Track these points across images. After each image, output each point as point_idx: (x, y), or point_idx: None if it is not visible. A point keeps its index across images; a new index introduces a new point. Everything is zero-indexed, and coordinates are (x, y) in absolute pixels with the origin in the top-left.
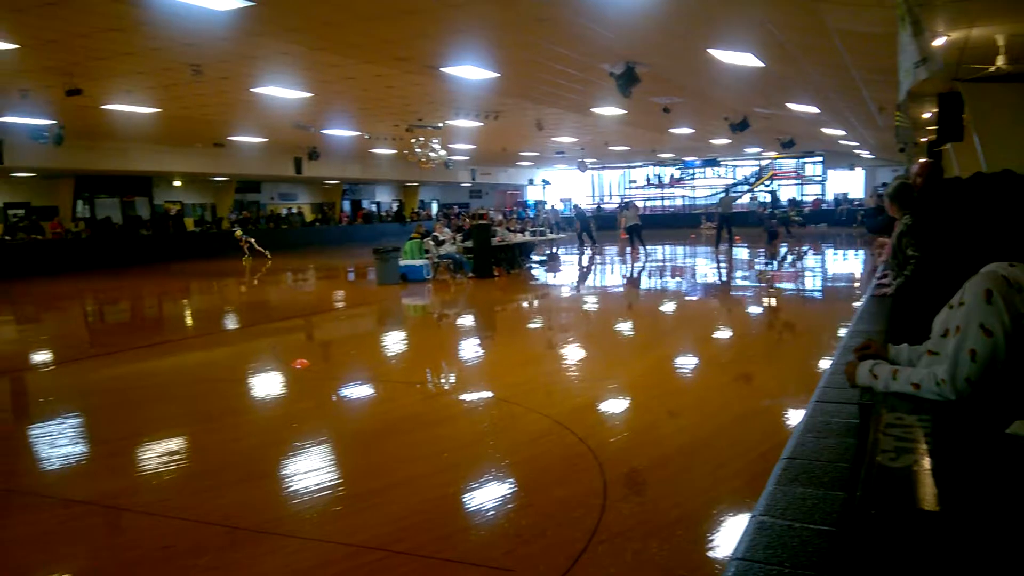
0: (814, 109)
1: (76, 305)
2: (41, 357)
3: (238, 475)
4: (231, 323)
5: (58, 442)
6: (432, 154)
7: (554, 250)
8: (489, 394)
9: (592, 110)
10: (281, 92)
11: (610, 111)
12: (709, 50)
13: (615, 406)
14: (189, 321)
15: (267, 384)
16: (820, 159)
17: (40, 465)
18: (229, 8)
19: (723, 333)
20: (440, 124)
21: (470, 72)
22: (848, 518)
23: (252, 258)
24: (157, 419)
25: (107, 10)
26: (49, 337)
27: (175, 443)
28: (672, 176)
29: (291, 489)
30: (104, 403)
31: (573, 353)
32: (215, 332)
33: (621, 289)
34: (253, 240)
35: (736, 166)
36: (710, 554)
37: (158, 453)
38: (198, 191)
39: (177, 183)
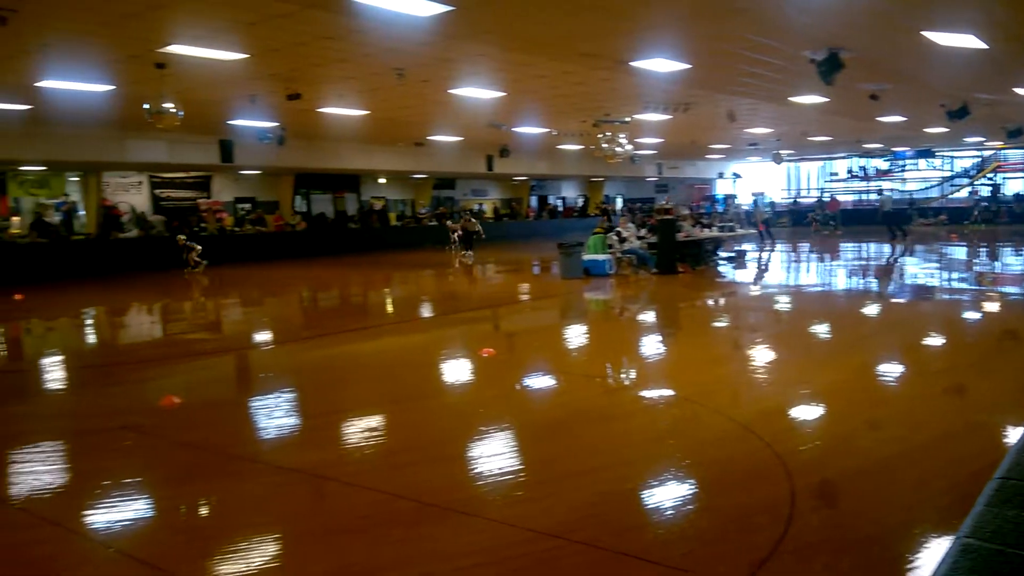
0: None
1: (292, 291)
2: (262, 337)
3: (429, 455)
4: (426, 311)
5: (273, 414)
6: (618, 149)
7: (743, 247)
8: (671, 392)
9: (790, 99)
10: (476, 92)
11: (810, 100)
12: (924, 32)
13: (807, 413)
14: (389, 308)
15: (457, 370)
16: None
17: (258, 434)
18: (430, 14)
19: (933, 339)
20: (627, 119)
21: (660, 65)
22: None
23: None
24: (358, 398)
25: (324, 20)
26: (269, 319)
27: (373, 421)
28: (877, 168)
29: (476, 471)
30: (313, 381)
31: (762, 354)
32: (411, 319)
33: (817, 288)
34: (196, 252)
35: (954, 157)
36: (907, 575)
37: (358, 429)
38: (400, 187)
39: (382, 180)
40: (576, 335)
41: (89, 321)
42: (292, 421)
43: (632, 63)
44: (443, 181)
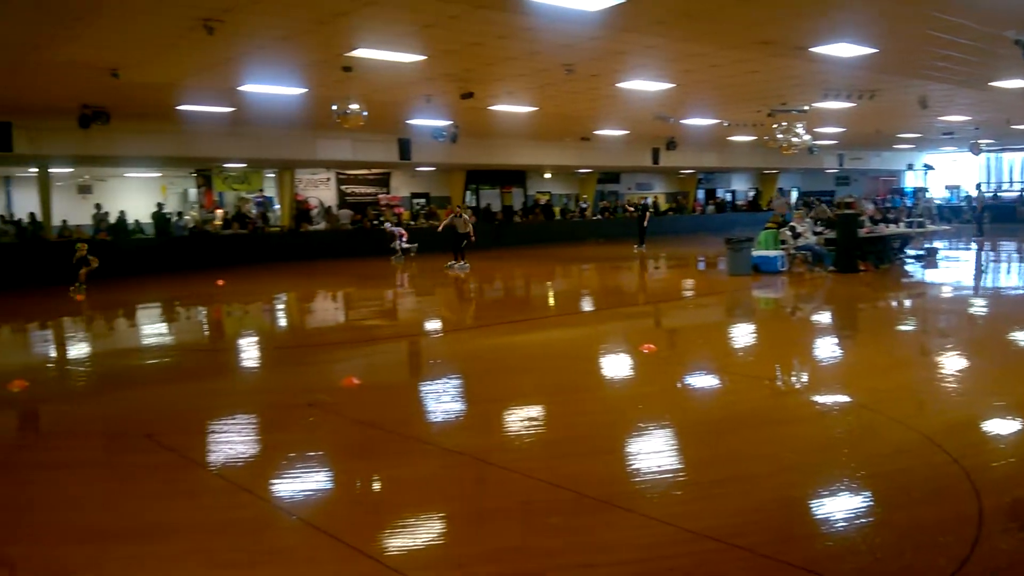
0: None
1: (459, 283)
2: (432, 325)
3: (588, 447)
4: (587, 305)
5: (441, 398)
6: (795, 139)
7: (934, 244)
8: (846, 398)
9: (991, 84)
10: (645, 85)
11: (1015, 84)
12: None
13: (1002, 426)
14: (551, 301)
15: (617, 365)
16: None
17: (427, 416)
18: (601, 8)
19: None
20: (806, 107)
21: (844, 50)
22: None
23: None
24: (521, 387)
25: (497, 20)
26: (438, 309)
27: (535, 411)
28: None
29: (635, 467)
30: (479, 368)
31: (951, 362)
32: (573, 313)
33: (1021, 292)
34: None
35: None
36: None
37: (521, 418)
38: (564, 182)
39: (547, 175)
40: (743, 334)
41: (280, 306)
42: (459, 406)
43: (813, 48)
44: (607, 175)
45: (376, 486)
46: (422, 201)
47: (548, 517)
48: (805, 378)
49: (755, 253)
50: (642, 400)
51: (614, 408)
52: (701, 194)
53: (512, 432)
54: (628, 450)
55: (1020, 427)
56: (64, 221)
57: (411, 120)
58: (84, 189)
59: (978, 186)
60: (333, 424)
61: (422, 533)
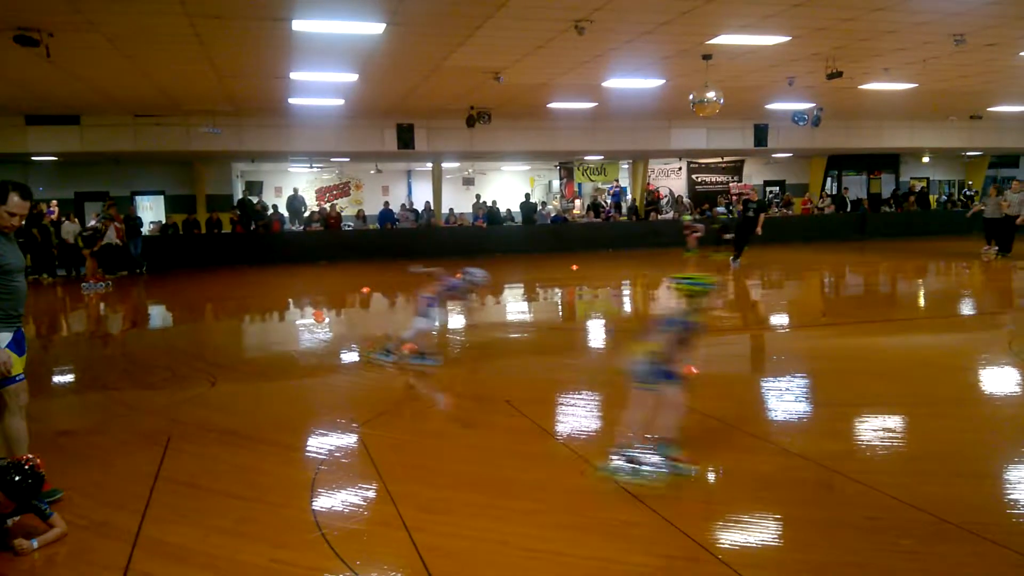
0: None
1: (814, 275)
2: (779, 320)
3: (953, 467)
4: (965, 308)
5: (783, 397)
6: None
7: None
8: None
9: None
10: None
11: None
12: None
13: None
14: (920, 301)
15: (996, 379)
16: None
17: (766, 414)
18: None
19: None
20: None
21: None
22: None
23: None
24: (876, 394)
25: None
26: (787, 302)
27: (892, 421)
28: None
29: (1011, 496)
30: (827, 369)
31: None
32: (946, 315)
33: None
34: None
35: None
36: None
37: (874, 427)
38: (946, 167)
39: (926, 159)
40: None
41: (626, 292)
42: (802, 407)
43: None
44: (1003, 158)
45: (712, 478)
46: (776, 189)
47: (899, 538)
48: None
49: None
50: None
51: (988, 427)
52: None
53: (863, 441)
54: (1006, 476)
55: None
56: (451, 209)
57: (769, 105)
58: (467, 182)
59: None
60: None
61: (756, 532)
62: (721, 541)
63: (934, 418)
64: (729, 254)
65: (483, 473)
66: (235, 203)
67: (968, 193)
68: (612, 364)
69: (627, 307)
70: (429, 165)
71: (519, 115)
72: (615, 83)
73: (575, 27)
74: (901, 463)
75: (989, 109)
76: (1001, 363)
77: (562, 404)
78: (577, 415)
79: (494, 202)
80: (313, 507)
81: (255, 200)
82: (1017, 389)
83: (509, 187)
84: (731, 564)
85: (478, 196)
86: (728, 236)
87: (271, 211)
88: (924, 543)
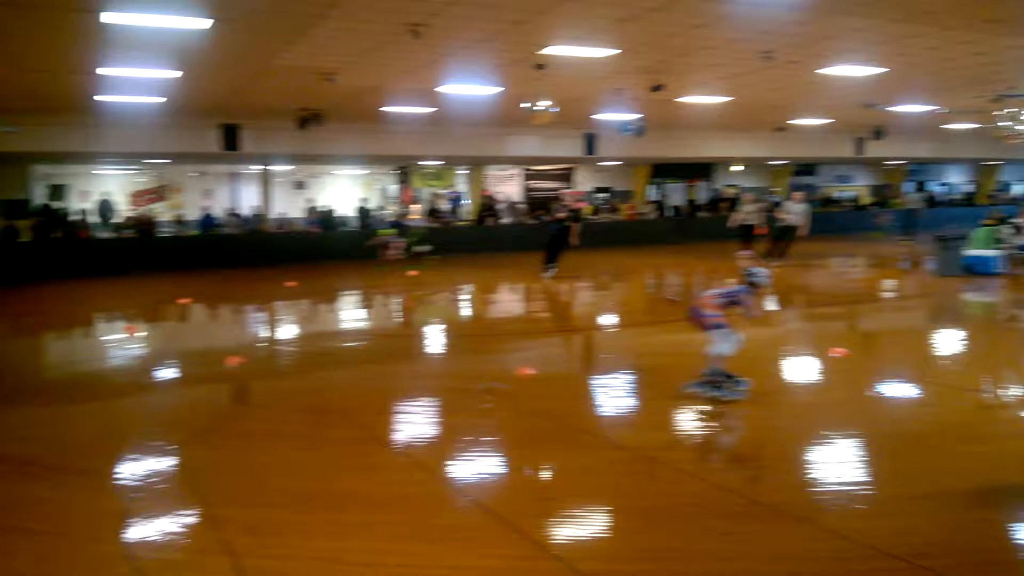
0: None
1: (635, 278)
2: (605, 320)
3: (764, 452)
4: (772, 305)
5: (611, 393)
6: (1021, 127)
7: None
8: None
9: None
10: (850, 71)
11: None
12: None
13: None
14: None
15: (802, 370)
16: None
17: (595, 410)
18: None
19: None
20: None
21: None
22: None
23: None
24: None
25: (695, 9)
26: (613, 304)
27: (711, 411)
28: None
29: (817, 477)
30: (651, 365)
31: None
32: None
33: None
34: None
35: None
36: None
37: (694, 418)
38: (755, 175)
39: (735, 168)
40: (947, 341)
41: (464, 297)
42: (631, 402)
43: None
44: (803, 167)
45: (546, 474)
46: (605, 195)
47: (718, 520)
48: (1017, 391)
49: (968, 252)
50: (830, 407)
51: (795, 415)
52: (910, 187)
53: (683, 432)
54: (809, 458)
55: None
56: (281, 214)
57: (597, 115)
58: (299, 185)
59: None
60: (507, 411)
61: (589, 524)
62: (555, 537)
63: (748, 406)
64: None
65: (316, 488)
66: (36, 209)
67: (774, 199)
68: (454, 371)
69: (467, 312)
70: (258, 168)
71: (354, 117)
72: (452, 89)
73: (410, 31)
74: (718, 451)
75: (791, 121)
76: (805, 355)
77: (399, 413)
78: (415, 423)
79: (328, 206)
80: (126, 539)
81: (58, 205)
82: (819, 379)
83: (344, 191)
84: (565, 559)
85: (310, 200)
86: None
87: (78, 216)
88: (737, 523)
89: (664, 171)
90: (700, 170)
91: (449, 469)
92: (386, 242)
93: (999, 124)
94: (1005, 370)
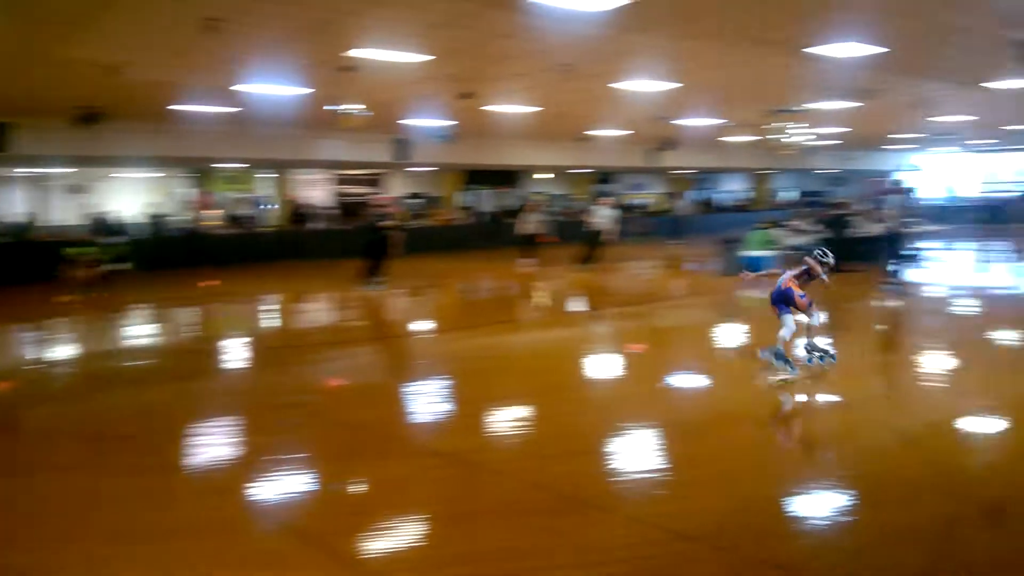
0: None
1: (448, 284)
2: (420, 327)
3: (571, 448)
4: (578, 306)
5: (425, 400)
6: (791, 140)
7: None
8: (830, 398)
9: (983, 84)
10: (645, 85)
11: (1010, 85)
12: None
13: (979, 427)
14: (541, 302)
15: (604, 366)
16: None
17: (409, 417)
18: (607, 8)
19: None
20: (803, 108)
21: (850, 50)
22: None
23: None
24: (507, 388)
25: (502, 19)
26: (427, 310)
27: (519, 412)
28: None
29: (618, 467)
30: (464, 369)
31: (936, 361)
32: (562, 314)
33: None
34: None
35: None
36: None
37: (504, 419)
38: (560, 182)
39: (539, 175)
40: (728, 334)
41: (269, 306)
42: (445, 407)
43: (819, 48)
44: (603, 175)
45: (358, 488)
46: (420, 201)
47: (530, 518)
48: (790, 379)
49: (745, 254)
50: (628, 400)
51: (598, 408)
52: (695, 194)
53: (495, 433)
54: (611, 450)
55: (997, 428)
56: (54, 221)
57: (410, 120)
58: (78, 189)
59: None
60: (316, 425)
61: (403, 535)
62: (368, 552)
63: (554, 405)
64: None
65: (99, 521)
66: None
67: (575, 206)
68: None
69: (271, 323)
70: (31, 171)
71: (142, 116)
72: (253, 88)
73: (206, 25)
74: (529, 449)
75: (593, 132)
76: (605, 352)
77: (193, 435)
78: (212, 445)
79: (110, 212)
80: None
81: None
82: (618, 373)
83: (131, 195)
84: (382, 572)
85: (90, 205)
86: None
87: None
88: (550, 519)
89: (477, 177)
90: (511, 177)
91: (252, 491)
92: (79, 259)
93: (771, 137)
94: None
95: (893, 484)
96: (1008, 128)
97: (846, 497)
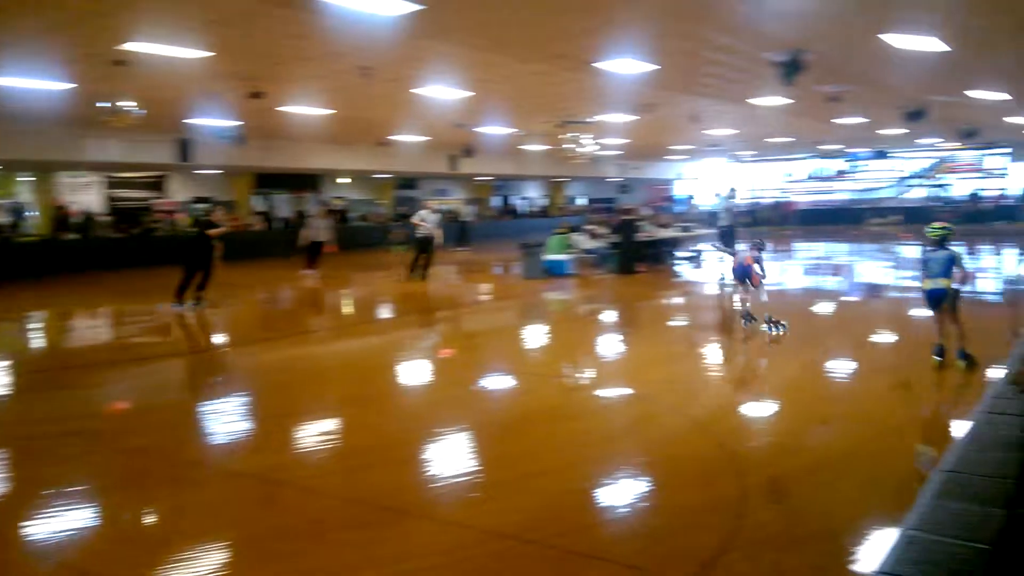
0: (1005, 96)
1: (248, 292)
2: (220, 339)
3: (382, 457)
4: (385, 312)
5: (222, 418)
6: (582, 149)
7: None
8: (628, 391)
9: (750, 101)
10: (442, 92)
11: (772, 101)
12: (884, 35)
13: (759, 410)
14: (346, 310)
15: (415, 372)
16: (1009, 151)
17: (205, 438)
18: (399, 13)
19: (884, 336)
20: (592, 119)
21: (627, 66)
22: (1009, 537)
23: None
24: (314, 400)
25: (290, 19)
26: (229, 322)
27: (329, 424)
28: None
29: (432, 473)
30: (266, 383)
31: (716, 352)
32: (371, 321)
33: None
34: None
35: (909, 158)
36: (853, 567)
37: (313, 432)
38: (361, 187)
39: (341, 180)
40: (534, 335)
41: (35, 324)
42: (245, 424)
43: (600, 63)
44: (406, 181)
45: (150, 519)
46: (206, 206)
47: (344, 533)
48: (592, 374)
49: (546, 257)
50: (440, 405)
51: (411, 415)
52: (498, 200)
53: (302, 449)
54: (423, 456)
55: (774, 410)
56: None
57: (193, 120)
58: None
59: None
60: (98, 453)
61: (202, 565)
62: None
63: (364, 415)
64: None
65: None
66: None
67: (381, 211)
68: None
69: (39, 343)
70: None
71: None
72: (7, 82)
73: None
74: (338, 462)
75: (393, 137)
76: (416, 358)
77: None
78: None
79: None
80: None
81: None
82: (429, 379)
83: None
84: None
85: None
86: None
87: None
88: (363, 532)
89: (270, 181)
90: (308, 181)
91: (25, 531)
92: None
93: (564, 146)
94: (579, 356)
95: (689, 467)
96: (769, 140)
97: (647, 483)
